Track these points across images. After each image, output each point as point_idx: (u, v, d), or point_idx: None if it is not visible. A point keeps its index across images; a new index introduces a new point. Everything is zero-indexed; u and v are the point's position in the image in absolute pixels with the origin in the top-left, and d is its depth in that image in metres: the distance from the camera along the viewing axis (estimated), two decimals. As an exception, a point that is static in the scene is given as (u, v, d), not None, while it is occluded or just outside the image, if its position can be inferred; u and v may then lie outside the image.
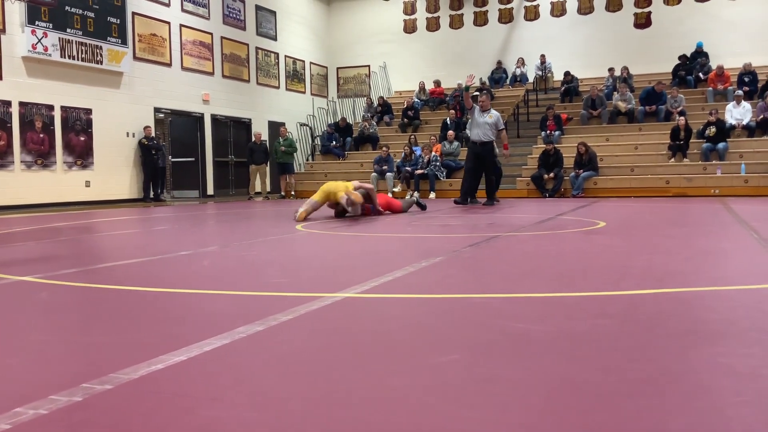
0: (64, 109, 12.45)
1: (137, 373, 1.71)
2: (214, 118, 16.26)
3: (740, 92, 14.24)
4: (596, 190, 13.18)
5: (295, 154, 16.34)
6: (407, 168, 14.49)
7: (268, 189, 16.23)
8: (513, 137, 15.59)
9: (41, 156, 12.07)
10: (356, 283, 3.07)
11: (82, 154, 12.82)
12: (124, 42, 13.54)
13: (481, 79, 18.45)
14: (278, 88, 18.61)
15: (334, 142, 17.26)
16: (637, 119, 15.14)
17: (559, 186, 13.17)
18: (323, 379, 1.68)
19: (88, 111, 12.93)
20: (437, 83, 18.64)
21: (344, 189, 7.49)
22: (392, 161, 14.91)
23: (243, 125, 17.31)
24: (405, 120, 17.46)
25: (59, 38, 12.20)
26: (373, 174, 14.72)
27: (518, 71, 18.55)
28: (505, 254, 4.36)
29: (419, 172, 14.28)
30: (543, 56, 17.95)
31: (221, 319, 2.39)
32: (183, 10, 15.32)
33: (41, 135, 12.07)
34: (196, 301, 2.83)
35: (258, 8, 17.76)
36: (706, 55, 16.58)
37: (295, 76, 19.42)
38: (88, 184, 12.92)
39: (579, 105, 16.19)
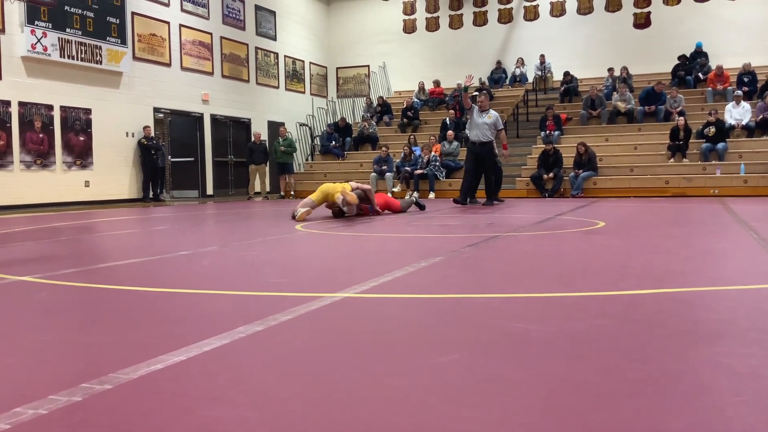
0: (63, 109, 12.44)
1: (137, 373, 1.71)
2: (214, 118, 16.26)
3: (739, 92, 14.25)
4: (596, 190, 13.19)
5: (294, 154, 16.34)
6: (407, 168, 14.49)
7: (268, 189, 16.22)
8: (512, 137, 15.59)
9: (41, 156, 12.07)
10: (356, 283, 3.07)
11: (81, 154, 12.82)
12: (123, 42, 13.54)
13: (480, 79, 18.46)
14: (278, 88, 18.61)
15: (333, 142, 17.26)
16: (637, 119, 15.15)
17: (558, 186, 13.17)
18: (323, 379, 1.68)
19: (88, 111, 12.92)
20: (437, 83, 18.64)
21: (341, 190, 7.52)
22: (392, 161, 14.92)
23: (242, 125, 17.31)
24: (404, 120, 17.46)
25: (59, 38, 12.19)
26: (373, 174, 14.73)
27: (518, 71, 18.56)
28: (505, 254, 4.36)
29: (419, 172, 14.28)
30: (542, 56, 17.95)
31: (221, 319, 2.39)
32: (182, 10, 15.32)
33: (41, 135, 12.06)
34: (195, 301, 2.83)
35: (257, 8, 17.76)
36: (705, 55, 16.58)
37: (295, 76, 19.42)
38: (87, 184, 12.92)
39: (578, 105, 16.19)
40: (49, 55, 12.05)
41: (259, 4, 17.81)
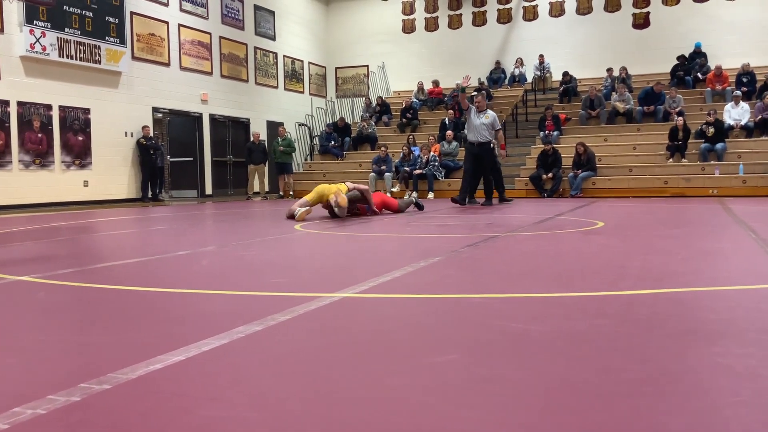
0: (62, 108, 12.44)
1: (135, 373, 1.71)
2: (213, 118, 16.25)
3: (738, 93, 14.26)
4: (595, 190, 13.20)
5: (293, 154, 16.34)
6: (406, 168, 14.49)
7: (267, 189, 16.22)
8: (511, 137, 15.60)
9: (39, 156, 12.06)
10: (355, 283, 3.07)
11: (80, 153, 12.81)
12: (122, 42, 13.53)
13: (479, 79, 18.46)
14: (277, 88, 18.61)
15: (332, 142, 17.26)
16: (636, 119, 15.16)
17: (557, 186, 13.17)
18: (322, 378, 1.68)
19: (87, 111, 12.92)
20: (436, 83, 18.64)
21: (336, 190, 7.56)
22: (391, 161, 14.92)
23: (241, 125, 17.30)
24: (403, 120, 17.46)
25: (57, 38, 12.19)
26: (372, 174, 14.73)
27: (517, 71, 18.56)
28: (504, 254, 4.36)
29: (418, 172, 14.28)
30: (541, 56, 17.96)
31: (220, 319, 2.39)
32: (181, 10, 15.31)
33: (39, 135, 12.06)
34: (194, 301, 2.82)
35: (257, 8, 17.76)
36: (704, 55, 16.59)
37: (294, 76, 19.42)
38: (86, 183, 12.92)
39: (577, 105, 16.20)
40: (48, 54, 12.04)
41: (258, 3, 17.81)
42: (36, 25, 11.82)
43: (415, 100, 18.18)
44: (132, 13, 13.93)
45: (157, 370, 1.75)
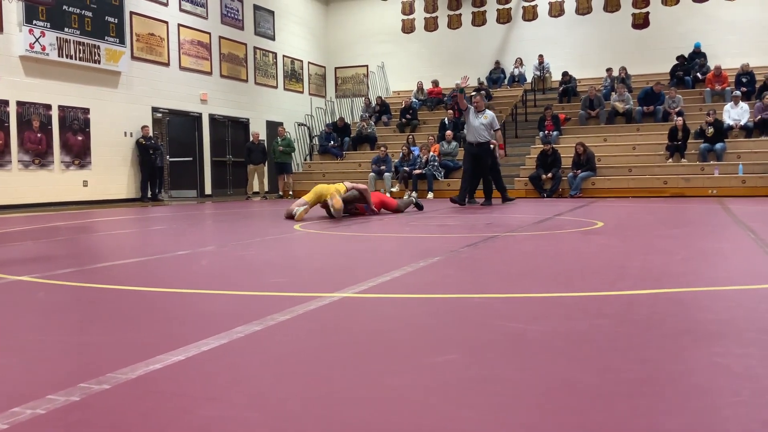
0: (61, 108, 12.43)
1: (135, 373, 1.71)
2: (212, 118, 16.25)
3: (738, 93, 14.26)
4: (594, 190, 13.20)
5: (293, 153, 16.34)
6: (405, 168, 14.50)
7: (266, 189, 16.22)
8: (511, 137, 15.60)
9: (39, 155, 12.06)
10: (354, 283, 3.07)
11: (79, 153, 12.81)
12: (121, 41, 13.53)
13: (479, 79, 18.47)
14: (276, 87, 18.60)
15: (332, 142, 17.26)
16: (635, 119, 15.16)
17: (557, 186, 13.18)
18: (321, 378, 1.68)
19: (86, 110, 12.91)
20: (435, 83, 18.65)
21: (334, 191, 7.57)
22: (390, 161, 14.92)
23: (241, 125, 17.30)
24: (403, 120, 17.46)
25: (57, 38, 12.18)
26: (371, 174, 14.73)
27: (516, 71, 18.56)
28: (503, 254, 4.36)
29: (417, 172, 14.29)
30: (541, 56, 17.96)
31: (219, 318, 2.39)
32: (181, 10, 15.31)
33: (39, 134, 12.05)
34: (194, 301, 2.82)
35: (256, 8, 17.75)
36: (704, 55, 16.60)
37: (293, 76, 19.42)
38: (85, 183, 12.91)
39: (577, 105, 16.20)
40: (48, 54, 12.04)
41: (258, 3, 17.81)
42: (35, 24, 11.82)
43: (414, 100, 18.18)
44: (131, 12, 13.92)
45: (157, 370, 1.75)
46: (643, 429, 1.32)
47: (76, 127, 12.73)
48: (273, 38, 18.45)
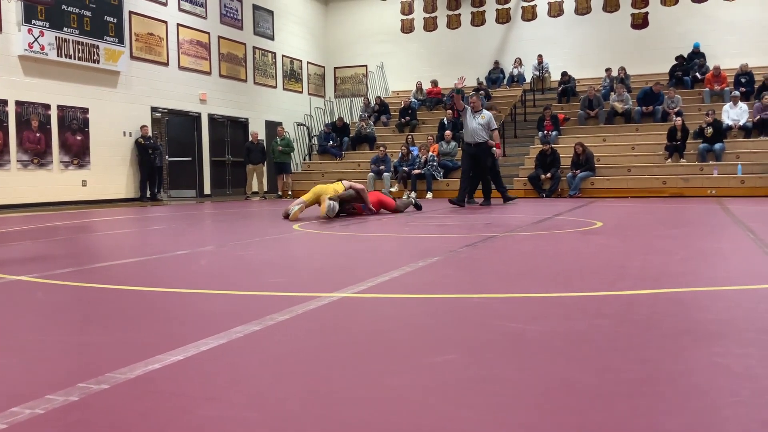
0: (60, 108, 12.42)
1: (134, 373, 1.71)
2: (211, 118, 16.24)
3: (737, 93, 14.27)
4: (593, 190, 13.20)
5: (292, 153, 16.34)
6: (404, 168, 14.50)
7: (265, 189, 16.22)
8: (510, 137, 15.61)
9: (38, 155, 12.05)
10: (353, 282, 3.07)
11: (78, 153, 12.80)
12: (121, 41, 13.52)
13: (478, 79, 18.48)
14: (275, 87, 18.60)
15: (331, 142, 17.26)
16: (634, 119, 15.16)
17: (556, 186, 13.18)
18: (321, 378, 1.68)
19: (85, 110, 12.90)
20: (434, 83, 18.65)
21: (333, 191, 7.57)
22: (389, 161, 14.92)
23: (240, 125, 17.30)
24: (402, 120, 17.47)
25: (56, 37, 12.17)
26: (370, 174, 14.73)
27: (515, 71, 18.57)
28: (502, 254, 4.36)
29: (416, 172, 14.29)
30: (540, 56, 17.97)
31: (218, 318, 2.39)
32: (180, 10, 15.30)
33: (38, 134, 12.04)
34: (193, 301, 2.82)
35: (255, 8, 17.75)
36: (703, 55, 16.61)
37: (293, 76, 19.41)
38: (84, 183, 12.91)
39: (576, 105, 16.20)
40: (47, 54, 12.03)
41: (257, 3, 17.80)
42: (34, 24, 11.81)
43: (413, 100, 18.19)
44: (131, 12, 13.92)
45: (156, 369, 1.74)
46: (643, 429, 1.32)
47: (75, 127, 12.72)
48: (272, 38, 18.44)
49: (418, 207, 9.09)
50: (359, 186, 7.97)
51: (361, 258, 4.39)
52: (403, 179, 14.46)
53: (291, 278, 3.42)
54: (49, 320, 2.51)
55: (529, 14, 18.99)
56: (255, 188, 15.99)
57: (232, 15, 16.93)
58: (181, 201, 14.53)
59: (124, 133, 13.75)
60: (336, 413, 1.43)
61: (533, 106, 16.97)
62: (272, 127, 17.48)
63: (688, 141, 13.44)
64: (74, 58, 12.54)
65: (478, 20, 19.48)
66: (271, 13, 18.38)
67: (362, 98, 19.35)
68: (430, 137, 15.40)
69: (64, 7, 12.27)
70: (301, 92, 19.70)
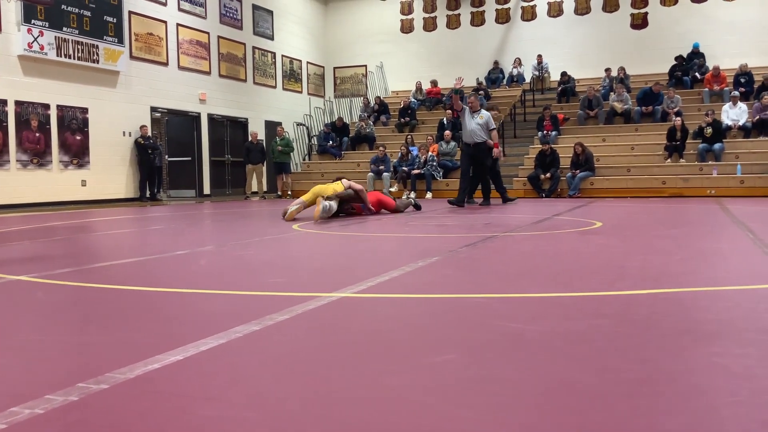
0: (60, 108, 12.42)
1: (133, 373, 1.71)
2: (211, 118, 16.24)
3: (736, 93, 14.28)
4: (593, 190, 13.21)
5: (291, 153, 16.34)
6: (404, 168, 14.50)
7: (265, 189, 16.22)
8: (510, 137, 15.61)
9: (37, 155, 12.05)
10: (353, 282, 3.07)
11: (78, 153, 12.80)
12: (120, 41, 13.52)
13: (477, 79, 18.48)
14: (275, 87, 18.60)
15: (330, 142, 17.26)
16: (634, 120, 15.17)
17: (555, 186, 13.18)
18: (320, 378, 1.68)
19: (85, 110, 12.90)
20: (434, 83, 18.65)
21: (332, 191, 7.57)
22: (389, 161, 14.92)
23: (240, 125, 17.30)
24: (402, 120, 17.47)
25: (55, 37, 12.17)
26: (370, 174, 14.73)
27: (515, 71, 18.57)
28: (502, 254, 4.36)
29: (416, 172, 14.29)
30: (540, 56, 17.97)
31: (218, 318, 2.39)
32: (180, 10, 15.30)
33: (37, 134, 12.04)
34: (192, 301, 2.82)
35: (255, 8, 17.75)
36: (702, 55, 16.62)
37: (292, 76, 19.41)
38: (84, 183, 12.90)
39: (576, 105, 16.21)
40: (46, 54, 12.03)
41: (257, 3, 17.80)
42: (34, 24, 11.81)
43: (413, 100, 18.19)
44: (130, 12, 13.92)
45: (155, 369, 1.74)
46: (643, 429, 1.32)
47: (75, 127, 12.72)
48: (272, 38, 18.44)
49: (417, 207, 9.08)
50: (359, 187, 7.96)
51: (360, 258, 4.39)
52: (402, 179, 14.46)
53: (290, 278, 3.42)
54: (48, 320, 2.51)
55: (529, 14, 18.99)
56: (254, 188, 15.98)
57: (231, 15, 16.93)
58: (180, 201, 14.53)
59: (124, 133, 13.74)
60: (335, 413, 1.43)
61: (533, 106, 16.97)
62: (272, 127, 17.48)
63: (687, 141, 13.44)
64: (74, 58, 12.54)
65: (477, 20, 19.49)
66: (270, 13, 18.38)
67: (362, 98, 19.35)
68: (429, 137, 15.40)
69: (63, 6, 12.27)
70: (300, 92, 19.70)
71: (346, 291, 2.86)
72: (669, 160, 13.38)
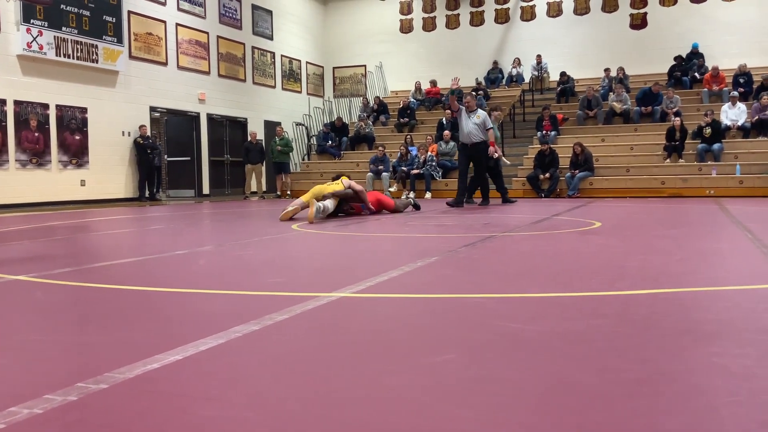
0: (59, 107, 12.42)
1: (133, 373, 1.71)
2: (210, 118, 16.24)
3: (735, 93, 14.28)
4: (592, 190, 13.21)
5: (291, 153, 16.34)
6: (403, 168, 14.50)
7: (264, 188, 16.22)
8: (509, 137, 15.60)
9: (36, 155, 12.04)
10: (352, 282, 3.06)
11: (77, 153, 12.79)
12: (119, 41, 13.51)
13: (477, 79, 18.49)
14: (274, 87, 18.60)
15: (330, 142, 17.26)
16: (633, 120, 15.18)
17: (554, 186, 13.19)
18: (320, 378, 1.68)
19: (84, 110, 12.90)
20: (433, 83, 18.65)
21: (332, 190, 7.57)
22: (388, 161, 14.92)
23: (239, 125, 17.29)
24: (401, 120, 17.47)
25: (54, 37, 12.16)
26: (369, 174, 14.73)
27: (514, 71, 18.58)
28: (501, 254, 4.36)
29: (415, 172, 14.29)
30: (539, 56, 17.97)
31: (217, 318, 2.39)
32: (179, 9, 15.30)
33: (36, 134, 12.03)
34: (191, 301, 2.82)
35: (254, 7, 17.75)
36: (701, 56, 16.62)
37: (292, 76, 19.41)
38: (83, 183, 12.90)
39: (575, 105, 16.21)
40: (45, 53, 12.02)
41: (256, 3, 17.80)
42: (33, 24, 11.80)
43: (412, 99, 18.19)
44: (129, 12, 13.91)
45: (155, 369, 1.74)
46: (642, 429, 1.32)
47: (74, 127, 12.72)
48: (271, 38, 18.44)
49: (416, 207, 9.08)
50: (359, 187, 7.94)
51: (359, 258, 4.39)
52: (401, 179, 14.46)
53: (290, 278, 3.42)
54: (47, 320, 2.51)
55: (528, 14, 18.99)
56: (254, 188, 15.97)
57: (230, 15, 16.93)
58: (179, 201, 14.52)
59: (123, 132, 13.74)
60: (335, 413, 1.43)
61: (532, 106, 16.97)
62: (271, 126, 17.47)
63: (686, 141, 13.45)
64: (73, 58, 12.53)
65: (477, 20, 19.49)
66: (270, 12, 18.37)
67: (361, 98, 19.35)
68: (428, 137, 15.40)
69: (62, 6, 12.26)
70: (300, 92, 19.70)
71: (345, 291, 2.86)
72: (668, 161, 13.38)
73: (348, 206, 7.92)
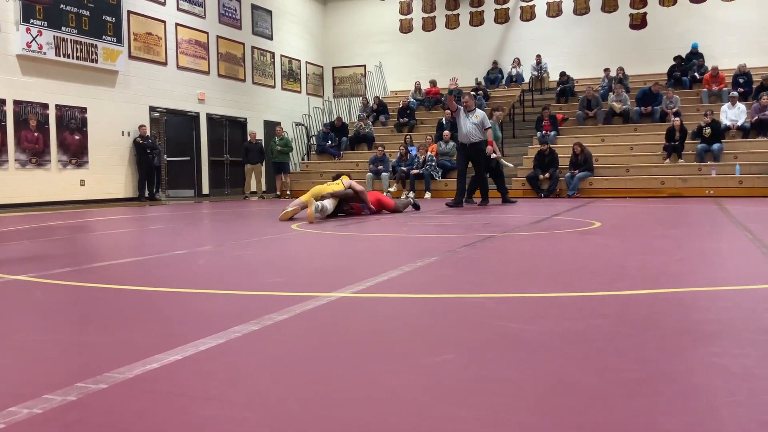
0: (58, 107, 12.41)
1: (132, 373, 1.71)
2: (210, 118, 16.23)
3: (735, 93, 14.29)
4: (591, 190, 13.21)
5: (290, 153, 16.33)
6: (403, 168, 14.50)
7: (264, 188, 16.22)
8: (509, 137, 15.60)
9: (36, 155, 12.04)
10: (352, 282, 3.06)
11: (76, 152, 12.79)
12: (119, 41, 13.51)
13: (476, 79, 18.48)
14: (274, 87, 18.60)
15: (329, 142, 17.26)
16: (633, 120, 15.18)
17: (554, 186, 13.19)
18: (319, 378, 1.68)
19: (83, 110, 12.89)
20: (433, 83, 18.65)
21: (331, 190, 7.57)
22: (388, 161, 14.92)
23: (239, 124, 17.29)
24: (400, 120, 17.47)
25: (54, 37, 12.16)
26: (369, 174, 14.73)
27: (514, 71, 18.58)
28: (501, 254, 4.36)
29: (415, 172, 14.29)
30: (539, 56, 17.98)
31: (217, 318, 2.39)
32: (179, 9, 15.29)
33: (36, 134, 12.03)
34: (191, 301, 2.82)
35: (254, 7, 17.75)
36: (701, 56, 16.63)
37: (291, 76, 19.41)
38: (82, 183, 12.90)
39: (574, 105, 16.21)
40: (45, 53, 12.02)
41: (256, 3, 17.80)
42: (32, 23, 11.80)
43: (412, 99, 18.19)
44: (129, 12, 13.91)
45: (154, 369, 1.74)
46: (642, 429, 1.32)
47: (74, 127, 12.71)
48: (271, 38, 18.44)
49: (416, 207, 9.08)
50: (360, 188, 7.94)
51: (359, 258, 4.39)
52: (401, 179, 14.46)
53: (289, 278, 3.42)
54: (47, 320, 2.51)
55: (528, 14, 19.00)
56: (253, 188, 15.97)
57: (230, 15, 16.92)
58: (179, 201, 14.52)
59: (123, 132, 13.74)
60: (335, 413, 1.43)
61: (532, 106, 16.97)
62: (271, 126, 17.47)
63: (686, 141, 13.45)
64: (72, 58, 12.53)
65: (476, 20, 19.49)
66: (269, 12, 18.37)
67: (361, 98, 19.35)
68: (428, 137, 15.40)
69: (62, 6, 12.26)
70: (299, 92, 19.70)
71: (345, 291, 2.86)
72: (668, 161, 13.38)
73: (348, 206, 7.92)
